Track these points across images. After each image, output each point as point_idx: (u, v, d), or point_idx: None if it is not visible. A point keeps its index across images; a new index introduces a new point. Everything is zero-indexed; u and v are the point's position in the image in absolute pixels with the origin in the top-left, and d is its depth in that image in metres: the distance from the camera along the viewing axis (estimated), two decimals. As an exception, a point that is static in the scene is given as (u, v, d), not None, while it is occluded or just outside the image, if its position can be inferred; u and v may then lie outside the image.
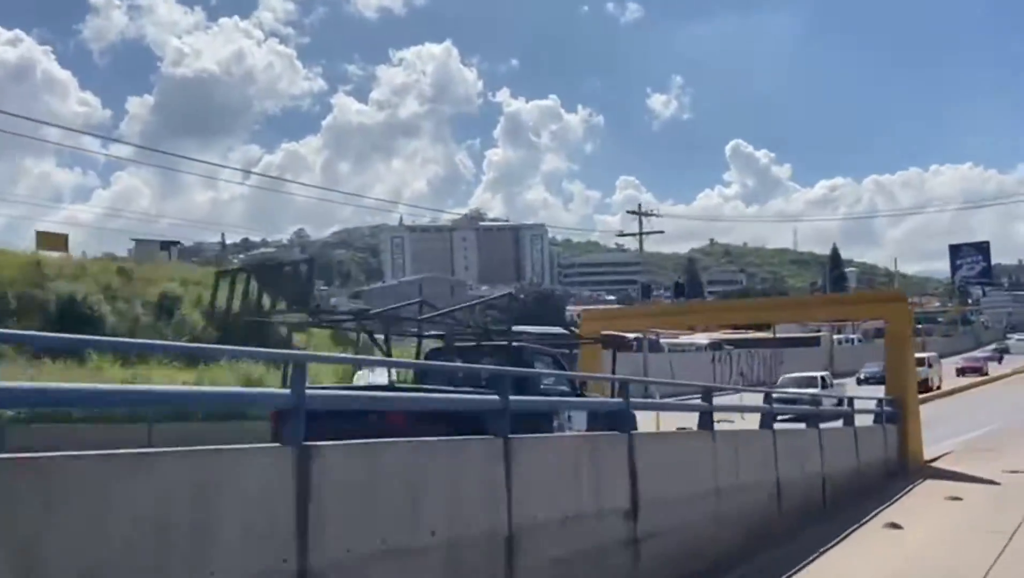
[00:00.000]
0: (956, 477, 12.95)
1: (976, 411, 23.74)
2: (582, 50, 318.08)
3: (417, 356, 13.16)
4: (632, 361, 38.51)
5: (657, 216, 36.82)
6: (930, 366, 33.17)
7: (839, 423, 12.34)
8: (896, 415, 13.76)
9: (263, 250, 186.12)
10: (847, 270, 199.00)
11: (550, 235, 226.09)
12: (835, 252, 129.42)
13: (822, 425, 11.56)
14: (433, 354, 11.87)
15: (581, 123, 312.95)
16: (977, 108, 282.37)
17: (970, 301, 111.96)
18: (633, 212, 35.84)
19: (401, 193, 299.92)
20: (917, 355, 34.17)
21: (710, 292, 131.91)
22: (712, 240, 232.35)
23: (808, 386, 21.53)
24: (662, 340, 50.90)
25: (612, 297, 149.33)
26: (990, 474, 12.88)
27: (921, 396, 30.30)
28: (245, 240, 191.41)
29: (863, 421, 13.54)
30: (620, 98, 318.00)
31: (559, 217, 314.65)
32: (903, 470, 13.46)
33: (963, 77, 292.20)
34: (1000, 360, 57.38)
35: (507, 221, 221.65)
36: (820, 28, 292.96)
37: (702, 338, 58.90)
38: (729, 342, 54.54)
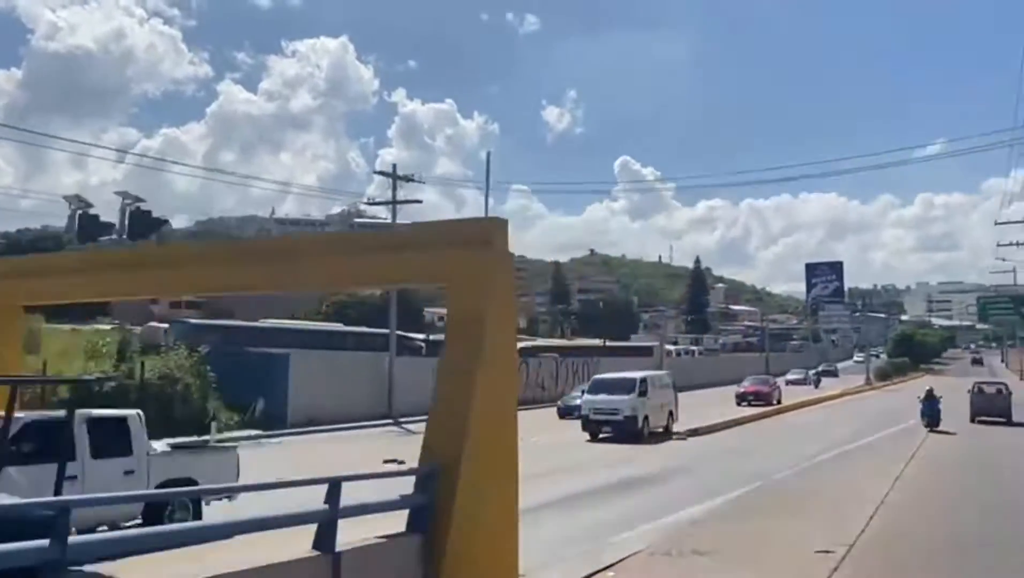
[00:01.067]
0: None
1: (733, 461, 16.12)
2: (480, 57, 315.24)
3: None
4: (372, 366, 29.41)
5: (418, 182, 28.62)
6: (642, 393, 20.88)
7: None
8: (428, 510, 5.63)
9: (112, 236, 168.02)
10: (716, 285, 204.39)
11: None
12: (697, 265, 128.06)
13: None
14: None
15: (477, 129, 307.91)
16: (844, 143, 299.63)
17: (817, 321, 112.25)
18: (384, 173, 27.40)
19: (289, 187, 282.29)
20: (619, 374, 22.79)
21: (580, 299, 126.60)
22: (592, 250, 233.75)
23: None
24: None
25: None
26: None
27: (642, 446, 18.91)
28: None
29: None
30: (516, 108, 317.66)
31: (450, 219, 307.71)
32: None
33: (833, 112, 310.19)
34: (817, 383, 50.28)
35: (384, 219, 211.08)
36: (707, 54, 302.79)
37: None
38: (550, 349, 47.35)
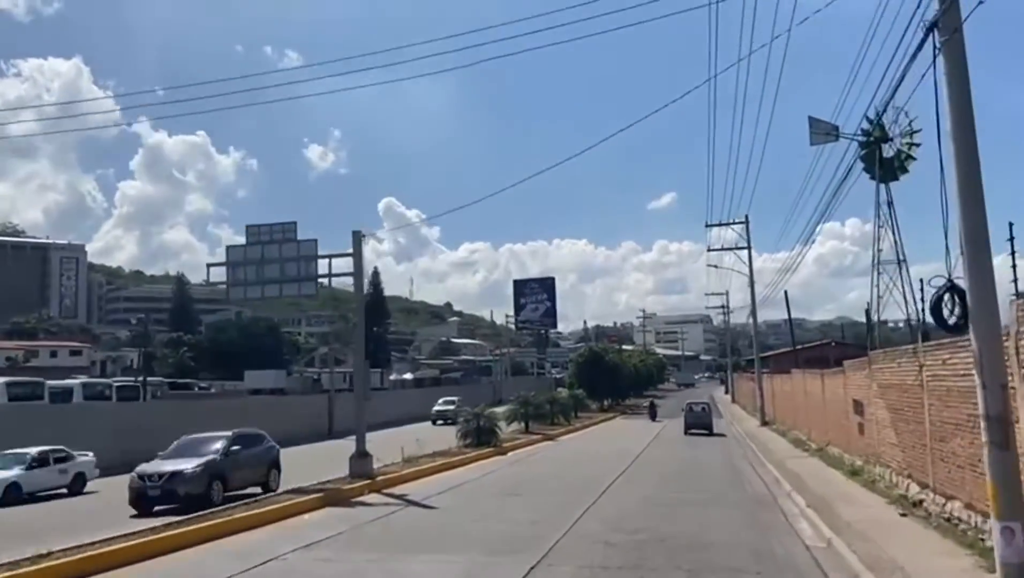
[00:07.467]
0: None
1: None
2: (236, 90, 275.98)
3: None
4: None
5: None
6: None
7: None
8: None
9: None
10: (451, 319, 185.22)
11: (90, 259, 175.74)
12: (377, 289, 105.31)
13: None
14: None
15: (233, 165, 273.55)
16: (592, 193, 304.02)
17: (522, 344, 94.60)
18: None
19: (9, 221, 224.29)
20: None
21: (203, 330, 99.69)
22: (322, 284, 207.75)
23: None
24: None
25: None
26: None
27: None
28: None
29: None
30: (276, 144, 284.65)
31: (203, 260, 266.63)
32: None
33: (584, 166, 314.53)
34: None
35: (43, 239, 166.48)
36: (465, 102, 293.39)
37: None
38: None
